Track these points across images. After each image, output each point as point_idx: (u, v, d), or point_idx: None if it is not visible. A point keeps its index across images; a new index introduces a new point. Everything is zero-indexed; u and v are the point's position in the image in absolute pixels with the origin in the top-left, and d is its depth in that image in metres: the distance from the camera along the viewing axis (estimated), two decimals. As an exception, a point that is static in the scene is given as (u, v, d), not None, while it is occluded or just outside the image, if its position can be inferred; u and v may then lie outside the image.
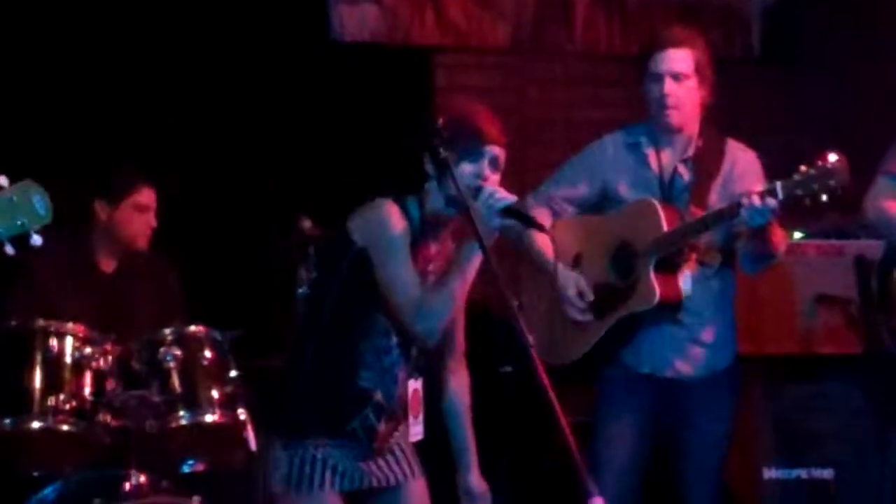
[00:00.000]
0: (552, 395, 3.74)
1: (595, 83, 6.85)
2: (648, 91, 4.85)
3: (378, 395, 4.18)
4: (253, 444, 5.00)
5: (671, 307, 4.81)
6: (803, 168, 4.43)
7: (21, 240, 3.45)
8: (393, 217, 4.13)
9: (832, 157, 4.39)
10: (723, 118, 5.08)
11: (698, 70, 4.81)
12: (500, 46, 6.97)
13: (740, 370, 5.05)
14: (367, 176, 6.28)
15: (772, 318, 5.91)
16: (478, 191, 4.04)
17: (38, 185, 3.49)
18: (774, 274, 5.52)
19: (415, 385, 4.26)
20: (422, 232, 4.18)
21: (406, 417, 4.28)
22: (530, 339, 3.77)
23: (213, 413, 4.98)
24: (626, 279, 4.83)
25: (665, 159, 4.92)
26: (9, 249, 3.45)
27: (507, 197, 4.01)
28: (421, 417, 4.29)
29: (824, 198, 4.45)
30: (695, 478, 4.96)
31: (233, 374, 5.04)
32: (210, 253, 6.09)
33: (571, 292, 4.89)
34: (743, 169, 4.90)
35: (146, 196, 5.49)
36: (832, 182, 4.39)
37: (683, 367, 4.88)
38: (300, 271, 5.06)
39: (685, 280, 4.82)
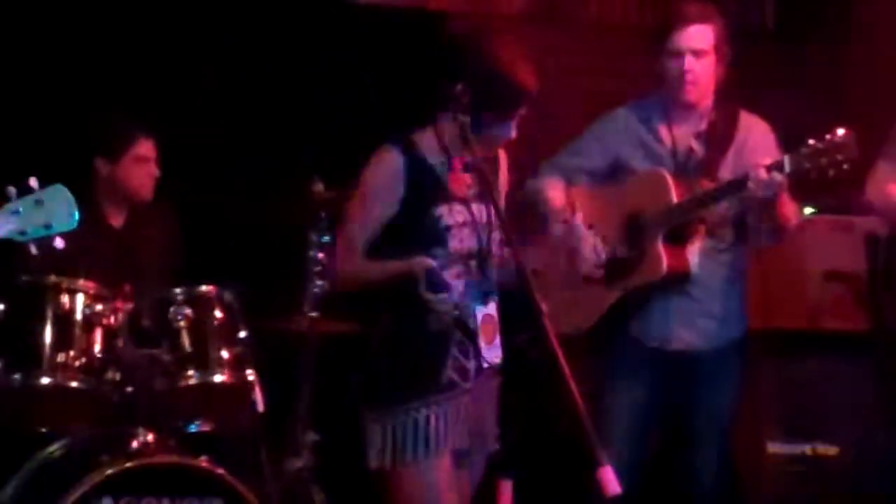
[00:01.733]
0: (564, 363, 3.76)
1: (609, 53, 6.82)
2: (667, 66, 4.85)
3: (457, 335, 4.16)
4: (261, 405, 5.02)
5: (679, 279, 4.82)
6: (811, 142, 4.44)
7: (44, 240, 3.53)
8: (381, 163, 4.18)
9: (840, 132, 4.39)
10: (735, 92, 5.09)
11: (717, 46, 4.82)
12: (515, 14, 6.95)
13: (749, 344, 5.07)
14: (380, 140, 6.33)
15: (781, 293, 5.92)
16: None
17: (67, 190, 3.53)
18: (784, 248, 5.53)
19: (485, 310, 4.24)
20: (445, 155, 4.21)
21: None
22: (543, 306, 3.79)
23: (223, 373, 4.98)
24: (635, 250, 4.84)
25: (678, 134, 4.93)
26: (32, 249, 3.51)
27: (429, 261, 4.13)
28: (497, 342, 4.26)
29: (832, 172, 4.46)
30: (700, 449, 4.99)
31: (242, 334, 5.05)
32: (222, 214, 6.08)
33: (586, 247, 4.88)
34: (756, 141, 4.92)
35: (145, 148, 5.51)
36: (840, 156, 4.41)
37: (692, 340, 4.90)
38: (311, 234, 5.06)
39: (694, 252, 4.83)
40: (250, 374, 5.02)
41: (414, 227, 4.14)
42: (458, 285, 4.20)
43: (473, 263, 4.21)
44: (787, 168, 4.49)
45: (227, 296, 5.06)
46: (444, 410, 4.15)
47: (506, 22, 6.75)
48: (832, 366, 5.87)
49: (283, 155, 6.19)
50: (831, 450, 5.81)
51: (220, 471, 4.78)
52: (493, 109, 4.14)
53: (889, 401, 5.61)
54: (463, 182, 4.21)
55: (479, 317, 4.22)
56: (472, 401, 4.26)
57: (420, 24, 6.72)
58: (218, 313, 5.05)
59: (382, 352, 4.24)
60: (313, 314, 5.07)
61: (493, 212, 4.20)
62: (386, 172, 4.18)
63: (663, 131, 4.94)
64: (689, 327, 4.90)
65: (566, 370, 3.77)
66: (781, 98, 6.71)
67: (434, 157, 4.21)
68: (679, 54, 4.81)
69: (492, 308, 4.25)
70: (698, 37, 4.81)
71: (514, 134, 4.22)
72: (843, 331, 5.84)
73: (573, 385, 3.75)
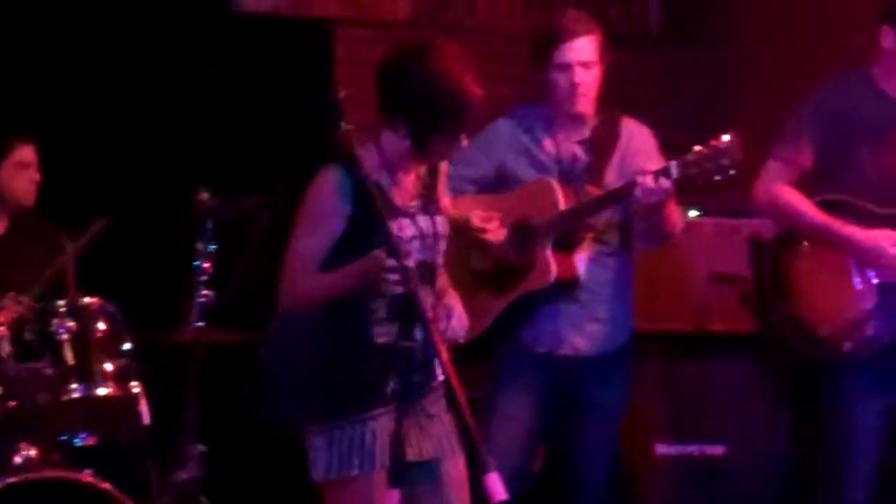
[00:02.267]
0: (451, 370, 3.76)
1: (495, 59, 6.84)
2: (555, 79, 4.87)
3: (402, 345, 4.06)
4: (146, 418, 4.97)
5: (568, 286, 4.85)
6: (697, 148, 4.48)
7: None
8: (329, 183, 4.09)
9: (725, 137, 4.44)
10: (620, 95, 5.12)
11: (601, 56, 4.85)
12: (402, 20, 6.95)
13: (636, 347, 5.11)
14: (266, 149, 6.30)
15: (667, 296, 5.96)
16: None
17: None
18: (670, 251, 5.58)
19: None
20: (388, 170, 4.16)
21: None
22: (429, 313, 3.78)
23: (107, 386, 4.94)
24: (524, 258, 4.85)
25: (562, 143, 4.96)
26: None
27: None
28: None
29: (718, 177, 4.50)
30: (589, 453, 5.02)
31: (127, 346, 5.00)
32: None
33: (476, 219, 4.87)
34: (638, 145, 4.97)
35: (26, 153, 5.44)
36: (725, 162, 4.45)
37: (580, 345, 4.93)
38: (198, 244, 5.02)
39: (581, 259, 4.86)
40: (135, 387, 4.98)
41: (364, 245, 4.06)
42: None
43: (421, 276, 4.14)
44: (674, 174, 4.53)
45: (111, 307, 5.00)
46: (388, 423, 4.11)
47: (392, 29, 6.74)
48: (719, 367, 5.92)
49: (169, 164, 6.14)
50: (718, 450, 5.85)
51: (106, 485, 4.74)
52: (447, 132, 4.08)
53: (773, 401, 5.69)
54: (407, 195, 4.18)
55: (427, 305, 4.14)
56: (424, 414, 4.20)
57: (306, 33, 6.70)
58: (101, 325, 5.00)
59: (324, 363, 4.17)
60: (199, 324, 5.03)
61: (438, 223, 4.20)
62: (330, 192, 4.09)
63: (547, 140, 4.97)
64: (577, 333, 4.93)
65: (454, 377, 3.78)
66: (667, 102, 6.79)
67: (378, 173, 4.16)
68: (568, 67, 4.84)
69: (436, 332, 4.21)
70: (585, 49, 4.84)
71: (464, 143, 4.20)
72: (729, 332, 5.89)
73: (460, 392, 3.76)
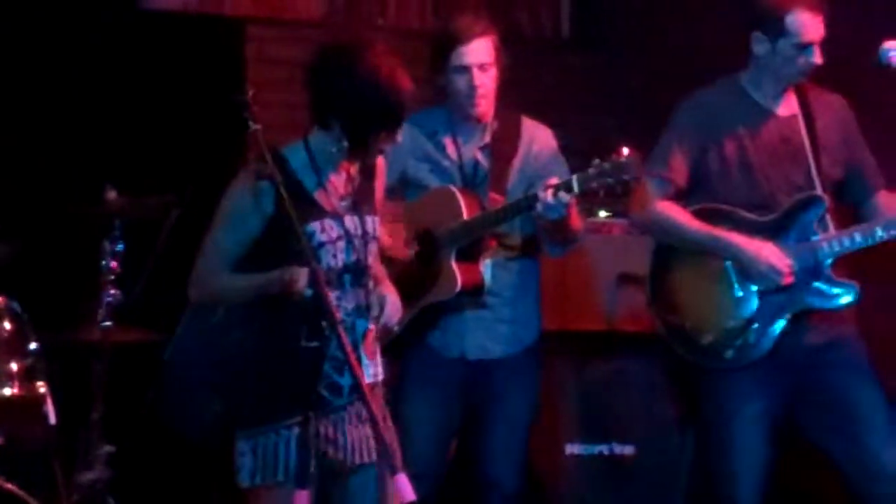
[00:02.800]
0: (359, 372, 3.76)
1: (411, 59, 6.84)
2: (454, 82, 4.88)
3: (331, 349, 4.02)
4: (53, 418, 4.92)
5: (473, 294, 4.89)
6: (597, 161, 4.52)
7: None
8: (235, 189, 4.07)
9: (625, 151, 4.47)
10: (530, 98, 5.15)
11: (498, 57, 4.88)
12: (313, 19, 6.93)
13: (545, 347, 5.13)
14: (174, 148, 6.26)
15: (577, 296, 5.99)
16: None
17: None
18: (580, 252, 5.61)
19: (364, 325, 4.15)
20: (316, 171, 4.13)
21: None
22: (337, 315, 3.78)
23: (12, 386, 4.87)
24: (429, 267, 4.86)
25: (463, 147, 4.99)
26: None
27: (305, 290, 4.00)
28: (378, 357, 4.20)
29: (618, 189, 4.56)
30: (499, 454, 5.04)
31: (33, 346, 4.94)
32: (10, 222, 5.93)
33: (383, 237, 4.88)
34: (540, 148, 5.01)
35: None
36: (625, 176, 4.49)
37: (490, 347, 4.98)
38: (104, 243, 4.98)
39: (486, 267, 4.89)
40: (41, 387, 4.92)
41: (285, 245, 4.01)
42: (333, 300, 4.07)
43: (349, 277, 4.14)
44: (576, 189, 4.55)
45: (16, 306, 4.95)
46: (314, 428, 4.06)
47: (303, 28, 6.72)
48: (628, 367, 5.96)
49: (76, 162, 6.08)
50: (627, 449, 5.89)
51: (11, 486, 4.68)
52: (384, 130, 4.07)
53: (681, 400, 5.73)
54: (336, 195, 4.15)
55: (360, 333, 4.14)
56: (353, 419, 4.16)
57: (216, 31, 6.66)
58: (7, 325, 4.93)
59: (251, 367, 4.13)
60: (107, 324, 5.00)
61: (368, 223, 4.17)
62: (249, 191, 4.04)
63: (449, 145, 4.99)
64: (485, 336, 4.97)
65: (362, 379, 3.77)
66: (575, 106, 6.82)
67: (303, 173, 4.13)
68: (466, 69, 4.86)
69: (371, 323, 4.18)
70: (482, 51, 4.87)
71: (399, 140, 4.17)
72: (638, 332, 5.92)
73: (367, 393, 3.75)
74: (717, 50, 5.34)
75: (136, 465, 5.37)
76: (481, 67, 4.85)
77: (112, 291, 4.98)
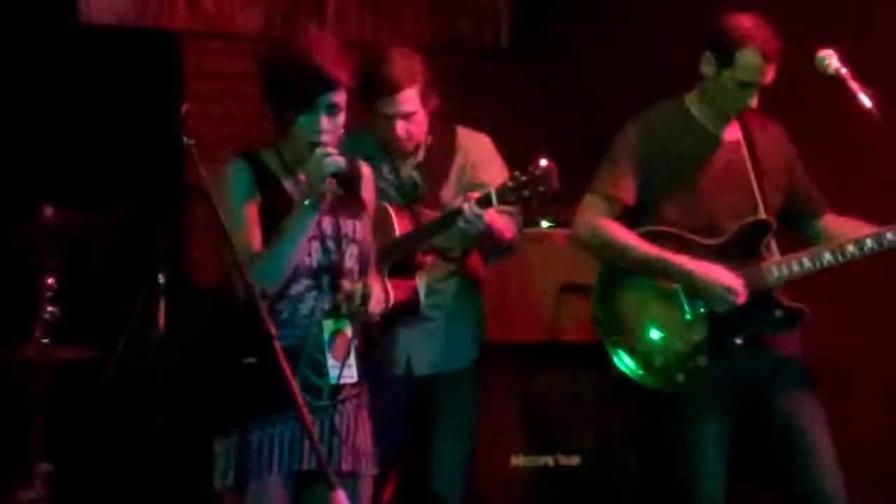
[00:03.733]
0: (295, 388, 3.73)
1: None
2: (379, 125, 4.89)
3: (308, 349, 4.03)
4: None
5: (408, 310, 4.87)
6: (517, 173, 4.52)
7: None
8: (229, 176, 4.06)
9: (542, 163, 4.47)
10: (472, 108, 5.15)
11: (424, 100, 4.87)
12: (251, 33, 6.90)
13: (489, 359, 5.12)
14: (112, 161, 6.21)
15: (520, 306, 5.97)
16: (312, 148, 4.02)
17: None
18: (523, 262, 5.61)
19: (334, 326, 4.12)
20: (290, 173, 4.13)
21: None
22: (272, 329, 3.75)
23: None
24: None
25: (399, 167, 4.98)
26: None
27: (336, 160, 3.99)
28: (351, 361, 4.15)
29: (535, 201, 4.58)
30: (445, 467, 5.04)
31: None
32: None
33: None
34: (476, 158, 5.02)
35: None
36: (541, 188, 4.50)
37: (435, 361, 4.96)
38: (42, 259, 4.93)
39: (422, 283, 4.89)
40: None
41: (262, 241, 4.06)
42: (307, 300, 4.11)
43: (325, 279, 4.13)
44: (494, 201, 4.55)
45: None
46: (290, 430, 4.04)
47: (241, 42, 6.69)
48: (572, 377, 5.94)
49: (11, 177, 6.01)
50: (573, 460, 5.88)
51: (-52, 507, 4.63)
52: (299, 105, 4.04)
53: (626, 411, 5.72)
54: None
55: (328, 333, 4.12)
56: (337, 420, 4.14)
57: (153, 45, 6.63)
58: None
59: (226, 368, 4.10)
60: (44, 341, 4.95)
61: (345, 226, 4.16)
62: (242, 180, 4.08)
63: (384, 167, 4.98)
64: (429, 350, 4.98)
65: (298, 395, 3.74)
66: (517, 113, 6.83)
67: (281, 174, 4.14)
68: (389, 118, 4.86)
69: (343, 324, 4.14)
70: (406, 101, 4.86)
71: (340, 125, 4.11)
72: (581, 342, 5.90)
73: (304, 409, 3.72)
74: (656, 59, 5.37)
75: (76, 483, 5.32)
76: (405, 116, 4.86)
77: (50, 308, 4.93)
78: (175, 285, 5.30)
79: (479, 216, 4.57)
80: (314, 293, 4.11)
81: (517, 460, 5.88)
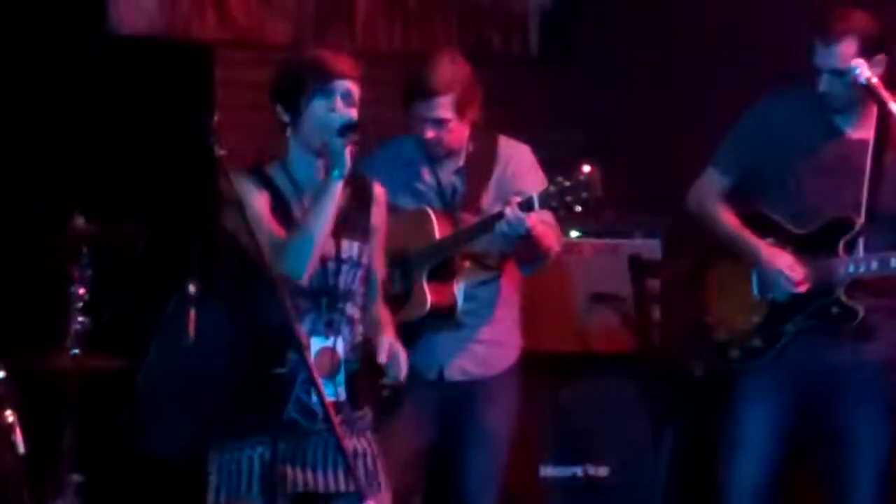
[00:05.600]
0: (325, 399, 3.74)
1: (376, 82, 6.84)
2: (416, 126, 4.90)
3: (304, 373, 3.98)
4: (21, 447, 4.87)
5: (445, 314, 4.89)
6: (559, 178, 4.54)
7: None
8: (239, 183, 4.04)
9: (586, 169, 4.48)
10: (503, 117, 5.15)
11: (459, 110, 4.88)
12: (282, 43, 6.92)
13: (521, 368, 5.12)
14: (144, 172, 6.23)
15: (550, 316, 5.98)
16: (329, 126, 4.05)
17: None
18: (553, 272, 5.60)
19: (323, 344, 4.10)
20: (296, 191, 4.14)
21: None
22: (304, 340, 3.76)
23: (-21, 415, 4.83)
24: (404, 287, 4.86)
25: (440, 172, 4.99)
26: None
27: (345, 114, 4.05)
28: (339, 378, 4.12)
29: (577, 208, 4.57)
30: (478, 475, 5.04)
31: (1, 374, 4.90)
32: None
33: None
34: (515, 169, 5.01)
35: None
36: (584, 194, 4.50)
37: (469, 368, 4.98)
38: (73, 270, 4.95)
39: (460, 287, 4.88)
40: (10, 416, 4.87)
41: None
42: (305, 322, 4.08)
43: (324, 300, 4.12)
44: (536, 206, 4.56)
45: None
46: (282, 450, 4.03)
47: (272, 52, 6.70)
48: (601, 387, 5.95)
49: (44, 187, 6.04)
50: (602, 471, 5.87)
51: (-20, 516, 4.64)
52: (311, 80, 4.09)
53: (655, 421, 5.72)
54: None
55: (314, 350, 4.09)
56: (332, 443, 4.09)
57: (185, 55, 6.64)
58: (-27, 353, 4.90)
59: (221, 390, 4.11)
60: (75, 351, 4.96)
61: (346, 248, 4.16)
62: (259, 191, 4.11)
63: (425, 172, 5.00)
64: (464, 356, 4.97)
65: (329, 406, 3.73)
66: (546, 121, 6.83)
67: (287, 191, 4.16)
68: (423, 122, 4.87)
69: (332, 343, 4.12)
70: (440, 108, 4.87)
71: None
72: (611, 352, 5.92)
73: (335, 419, 3.72)
74: (685, 66, 5.37)
75: (107, 494, 5.33)
76: (437, 122, 4.87)
77: (81, 318, 4.95)
78: (205, 295, 5.33)
79: (520, 220, 4.57)
80: (312, 315, 4.10)
81: (546, 471, 5.88)
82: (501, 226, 4.60)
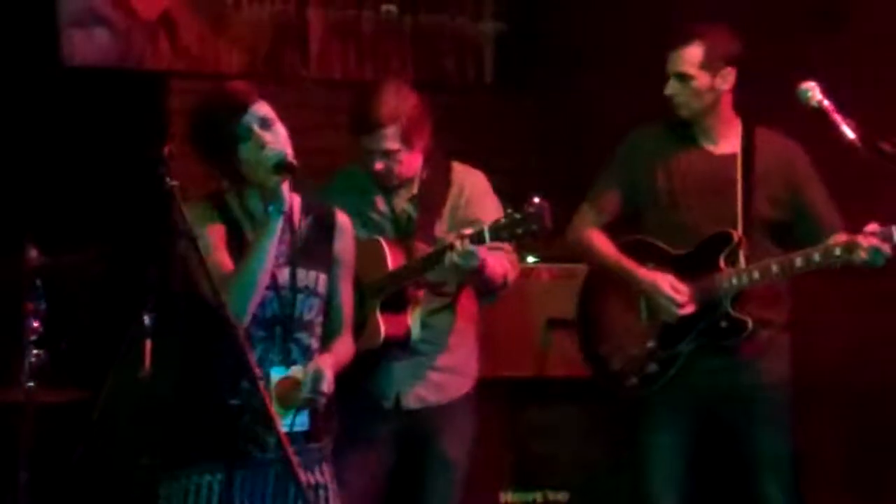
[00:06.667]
0: (280, 428, 3.71)
1: (330, 109, 6.86)
2: (365, 158, 4.91)
3: (254, 402, 3.90)
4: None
5: (399, 344, 4.88)
6: (509, 211, 4.54)
7: None
8: (193, 215, 3.96)
9: (536, 201, 4.50)
10: (456, 144, 5.15)
11: (405, 140, 4.87)
12: (235, 72, 6.91)
13: (478, 394, 5.12)
14: (97, 203, 6.20)
15: (507, 342, 5.98)
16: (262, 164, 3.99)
17: None
18: (510, 298, 5.58)
19: (282, 374, 4.06)
20: (250, 220, 4.10)
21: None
22: (258, 371, 3.74)
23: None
24: (358, 317, 4.85)
25: (394, 200, 4.99)
26: None
27: (276, 150, 3.98)
28: (299, 410, 4.08)
29: (527, 239, 4.61)
30: (435, 501, 5.00)
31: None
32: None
33: None
34: (471, 192, 5.01)
35: None
36: (534, 226, 4.50)
37: (425, 396, 4.96)
38: (27, 302, 4.92)
39: (414, 318, 4.88)
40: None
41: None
42: (257, 350, 4.04)
43: (279, 329, 4.09)
44: (487, 239, 4.55)
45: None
46: (235, 480, 3.98)
47: (226, 81, 6.68)
48: (560, 413, 5.95)
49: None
50: (561, 496, 5.87)
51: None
52: (222, 131, 4.02)
53: (613, 444, 5.74)
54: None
55: (274, 380, 4.06)
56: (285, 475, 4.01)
57: (137, 84, 6.63)
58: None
59: (175, 420, 4.09)
60: (30, 384, 4.92)
61: (302, 278, 4.12)
62: (207, 211, 4.08)
63: (379, 199, 5.00)
64: (421, 384, 4.96)
65: (284, 437, 3.72)
66: (501, 148, 6.85)
67: (243, 220, 4.13)
68: (369, 153, 4.87)
69: (294, 372, 4.07)
70: (385, 140, 4.85)
71: (283, 135, 4.08)
72: (569, 377, 5.91)
73: (289, 449, 3.69)
74: (639, 92, 5.37)
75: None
76: (385, 154, 4.87)
77: (35, 351, 4.92)
78: (160, 326, 5.30)
79: (471, 253, 4.57)
80: (264, 344, 4.06)
81: (506, 497, 5.88)
82: (452, 257, 4.60)
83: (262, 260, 3.97)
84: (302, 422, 4.10)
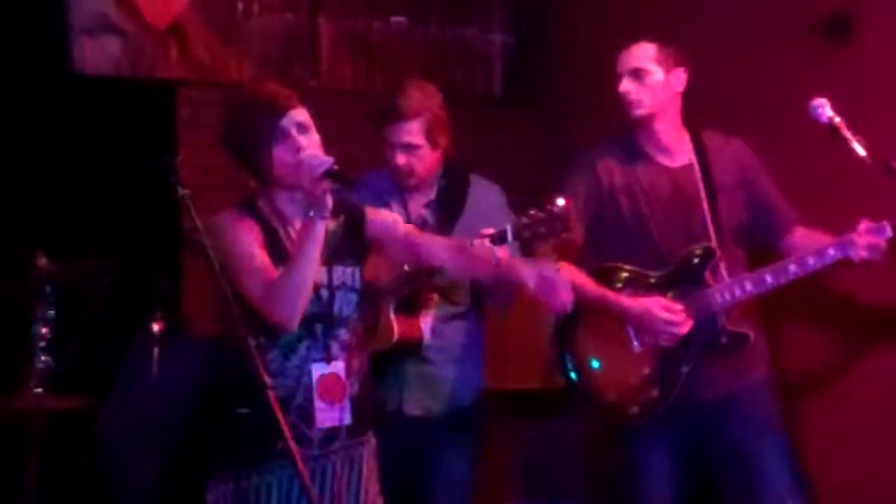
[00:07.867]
0: (289, 437, 3.72)
1: (341, 118, 6.86)
2: (386, 154, 4.91)
3: (298, 399, 4.03)
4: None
5: (412, 347, 4.89)
6: (532, 211, 4.52)
7: None
8: (226, 220, 4.05)
9: (560, 202, 4.49)
10: (467, 156, 5.16)
11: (429, 136, 4.90)
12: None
13: (484, 406, 5.12)
14: (107, 211, 6.21)
15: (515, 354, 5.99)
16: (299, 165, 4.00)
17: None
18: (518, 310, 5.60)
19: (324, 370, 4.11)
20: (283, 223, 4.13)
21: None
22: (267, 379, 3.75)
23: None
24: (372, 318, 4.86)
25: (410, 205, 5.00)
26: None
27: (324, 159, 3.99)
28: (343, 404, 4.13)
29: (551, 240, 4.59)
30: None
31: (-38, 415, 4.88)
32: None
33: None
34: (485, 208, 5.02)
35: None
36: (558, 225, 4.49)
37: (429, 404, 4.95)
38: (35, 309, 4.93)
39: (427, 321, 4.89)
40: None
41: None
42: (300, 349, 4.10)
43: (319, 327, 4.12)
44: (510, 238, 4.55)
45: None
46: (277, 479, 4.04)
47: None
48: (565, 424, 5.95)
49: (5, 227, 6.02)
50: (565, 507, 5.89)
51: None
52: (260, 132, 4.05)
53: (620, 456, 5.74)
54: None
55: (315, 376, 4.10)
56: (329, 470, 4.14)
57: (148, 94, 6.64)
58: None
59: (221, 418, 4.11)
60: (38, 391, 4.93)
61: (338, 274, 4.15)
62: (249, 228, 4.09)
63: (394, 204, 5.01)
64: (426, 393, 4.97)
65: (292, 444, 3.73)
66: (509, 161, 6.86)
67: (275, 221, 4.15)
68: (392, 147, 4.88)
69: (336, 368, 4.12)
70: (408, 133, 4.91)
71: (318, 142, 4.12)
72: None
73: (297, 456, 3.70)
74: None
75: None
76: (406, 147, 4.88)
77: (43, 358, 4.92)
78: (169, 334, 5.31)
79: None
80: (307, 342, 4.10)
81: (511, 508, 5.89)
82: None
83: (310, 266, 3.98)
84: (336, 416, 4.12)
